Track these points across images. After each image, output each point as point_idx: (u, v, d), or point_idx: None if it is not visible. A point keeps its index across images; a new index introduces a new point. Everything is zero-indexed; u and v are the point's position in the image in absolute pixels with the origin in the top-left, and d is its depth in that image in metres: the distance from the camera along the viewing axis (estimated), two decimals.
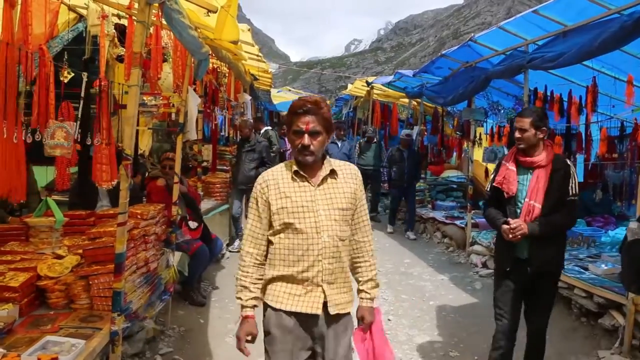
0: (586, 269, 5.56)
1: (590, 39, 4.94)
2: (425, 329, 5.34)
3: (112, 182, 4.18)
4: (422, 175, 11.60)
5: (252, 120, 9.24)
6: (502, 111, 9.99)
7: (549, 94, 7.26)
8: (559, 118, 7.39)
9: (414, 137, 11.21)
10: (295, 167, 2.53)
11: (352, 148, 11.54)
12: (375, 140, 11.61)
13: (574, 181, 3.54)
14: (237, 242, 8.01)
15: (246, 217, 7.87)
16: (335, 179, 2.56)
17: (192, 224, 5.77)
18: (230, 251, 7.91)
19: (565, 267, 5.64)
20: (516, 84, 8.70)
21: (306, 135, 2.44)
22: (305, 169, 2.52)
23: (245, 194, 8.03)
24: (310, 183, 2.51)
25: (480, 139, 9.96)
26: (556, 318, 5.47)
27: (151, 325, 4.41)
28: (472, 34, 7.39)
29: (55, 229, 3.94)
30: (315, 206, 2.47)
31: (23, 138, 3.28)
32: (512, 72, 6.62)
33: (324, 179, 2.53)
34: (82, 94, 4.14)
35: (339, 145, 11.14)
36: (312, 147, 2.45)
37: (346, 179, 2.59)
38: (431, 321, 5.55)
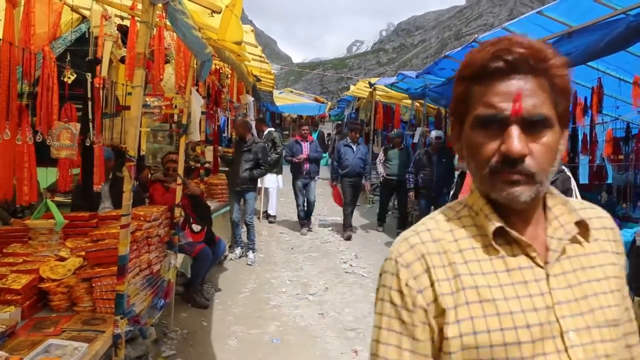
0: None
1: (596, 40, 4.90)
2: None
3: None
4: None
5: (251, 121, 9.12)
6: None
7: None
8: None
9: (417, 139, 11.11)
10: (495, 221, 1.04)
11: (367, 152, 9.96)
12: (402, 145, 10.27)
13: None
14: (237, 250, 7.81)
15: (245, 224, 7.87)
16: (581, 244, 1.09)
17: (195, 227, 5.75)
18: (231, 259, 7.69)
19: None
20: None
21: (515, 128, 0.98)
22: (515, 218, 1.05)
23: (241, 196, 7.80)
24: (531, 258, 1.04)
25: None
26: None
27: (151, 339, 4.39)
28: (475, 35, 7.34)
29: (55, 231, 3.90)
30: (557, 320, 0.99)
31: (27, 140, 3.25)
32: None
33: (564, 248, 1.07)
34: (89, 95, 4.12)
35: (354, 149, 9.64)
36: (528, 162, 0.98)
37: (600, 242, 1.12)
38: None
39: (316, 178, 9.89)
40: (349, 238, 9.42)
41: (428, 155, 8.74)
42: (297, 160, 9.51)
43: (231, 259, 7.65)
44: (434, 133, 8.99)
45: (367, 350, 4.83)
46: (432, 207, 8.36)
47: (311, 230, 9.90)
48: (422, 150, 9.08)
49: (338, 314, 5.73)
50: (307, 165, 9.55)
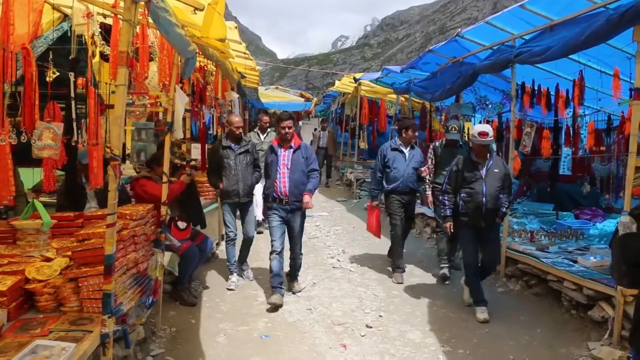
0: (575, 262, 5.60)
1: (577, 33, 4.97)
2: (416, 324, 5.35)
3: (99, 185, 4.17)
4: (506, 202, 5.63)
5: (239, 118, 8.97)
6: (490, 106, 10.04)
7: (536, 88, 7.30)
8: (547, 112, 7.45)
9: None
10: None
11: (424, 159, 7.10)
12: (460, 144, 7.03)
13: None
14: (234, 277, 6.45)
15: (247, 239, 6.83)
16: None
17: (181, 224, 5.73)
18: (228, 289, 6.27)
19: (555, 260, 5.71)
20: (504, 79, 8.75)
21: None
22: None
23: (240, 207, 6.52)
24: None
25: (468, 133, 9.98)
26: (546, 311, 5.53)
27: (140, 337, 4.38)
28: (459, 29, 7.40)
29: (42, 231, 3.88)
30: None
31: (9, 140, 3.22)
32: (499, 67, 6.64)
33: None
34: (72, 94, 4.09)
35: (406, 155, 6.82)
36: None
37: None
38: (423, 317, 5.56)
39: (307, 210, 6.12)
40: (401, 281, 6.74)
41: (472, 164, 5.51)
42: (270, 193, 5.98)
43: (232, 289, 6.27)
44: (477, 128, 5.54)
45: (355, 345, 4.87)
46: (480, 245, 5.60)
47: (295, 293, 6.24)
48: (459, 159, 5.68)
49: (326, 308, 5.75)
50: (285, 188, 5.87)
